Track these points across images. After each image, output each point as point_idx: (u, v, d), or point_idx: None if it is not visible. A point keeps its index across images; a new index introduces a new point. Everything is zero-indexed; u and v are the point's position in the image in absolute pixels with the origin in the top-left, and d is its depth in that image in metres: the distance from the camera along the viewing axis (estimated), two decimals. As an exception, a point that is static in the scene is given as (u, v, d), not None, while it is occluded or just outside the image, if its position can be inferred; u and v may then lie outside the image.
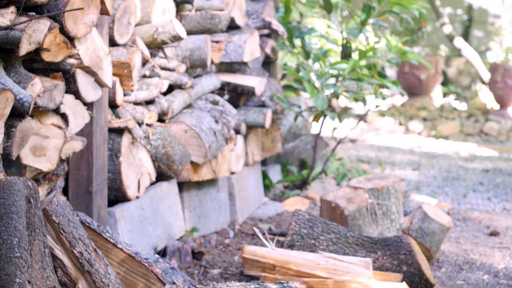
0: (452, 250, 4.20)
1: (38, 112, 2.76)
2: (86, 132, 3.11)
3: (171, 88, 4.00)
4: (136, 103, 3.59)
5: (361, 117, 5.36)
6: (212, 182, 4.31)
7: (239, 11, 4.69)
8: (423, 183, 6.43)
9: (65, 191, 3.15)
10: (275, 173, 5.54)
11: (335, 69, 4.97)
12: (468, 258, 4.05)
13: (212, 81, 4.38)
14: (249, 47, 4.50)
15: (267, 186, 5.30)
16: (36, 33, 2.57)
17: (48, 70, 2.83)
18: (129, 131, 3.44)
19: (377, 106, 5.28)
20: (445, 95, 11.66)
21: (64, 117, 2.91)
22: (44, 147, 2.79)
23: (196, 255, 3.75)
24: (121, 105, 3.45)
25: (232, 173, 4.51)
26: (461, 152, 8.30)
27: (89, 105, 3.07)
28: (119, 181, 3.39)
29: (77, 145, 3.03)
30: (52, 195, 2.60)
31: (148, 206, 3.61)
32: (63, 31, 2.72)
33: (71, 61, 2.85)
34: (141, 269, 2.81)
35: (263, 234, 4.12)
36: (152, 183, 3.73)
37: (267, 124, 4.71)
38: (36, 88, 2.64)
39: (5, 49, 2.55)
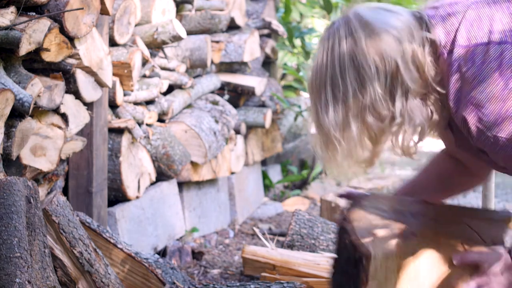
0: (452, 250, 4.20)
1: (38, 112, 2.76)
2: (86, 132, 3.10)
3: (171, 88, 4.00)
4: (136, 103, 3.59)
5: (361, 117, 5.35)
6: (212, 182, 4.31)
7: (239, 11, 4.69)
8: (423, 183, 6.42)
9: (65, 191, 3.15)
10: (275, 173, 5.54)
11: (335, 69, 4.96)
12: (468, 258, 4.04)
13: (212, 81, 4.38)
14: (249, 47, 4.50)
15: (267, 186, 5.30)
16: (36, 33, 2.57)
17: (48, 70, 2.83)
18: (129, 131, 3.44)
19: (377, 106, 5.27)
20: (445, 95, 11.66)
21: (64, 117, 2.91)
22: (44, 147, 2.79)
23: (196, 255, 3.75)
24: (121, 105, 3.45)
25: (232, 173, 4.51)
26: (461, 152, 8.30)
27: (89, 105, 3.07)
28: (119, 181, 3.38)
29: (77, 145, 3.02)
30: (52, 195, 2.60)
31: (148, 206, 3.60)
32: (63, 31, 2.72)
33: (71, 61, 2.85)
34: (141, 269, 2.81)
35: (263, 234, 4.12)
36: (152, 183, 3.73)
37: (267, 124, 4.71)
38: (36, 88, 2.64)
39: (5, 49, 2.55)
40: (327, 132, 1.69)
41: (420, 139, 1.75)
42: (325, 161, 1.75)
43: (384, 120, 1.68)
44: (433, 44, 1.69)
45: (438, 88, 1.69)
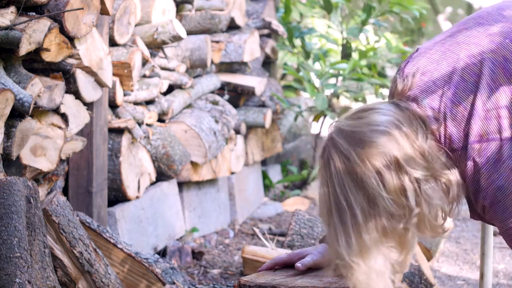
0: (452, 250, 4.20)
1: (38, 112, 2.76)
2: (86, 132, 3.11)
3: (171, 88, 4.00)
4: (136, 103, 3.59)
5: (361, 117, 5.34)
6: (212, 182, 4.31)
7: (239, 11, 4.69)
8: (423, 183, 6.42)
9: (65, 191, 3.15)
10: (275, 173, 5.54)
11: (335, 69, 4.97)
12: (468, 258, 4.05)
13: (212, 81, 4.38)
14: (249, 47, 4.50)
15: (267, 186, 5.30)
16: (36, 33, 2.57)
17: (48, 70, 2.83)
18: (129, 131, 3.44)
19: (377, 106, 5.26)
20: (445, 95, 11.65)
21: (64, 117, 2.91)
22: (44, 147, 2.79)
23: (196, 255, 3.75)
24: (121, 105, 3.45)
25: (232, 173, 4.51)
26: (461, 152, 8.29)
27: (89, 105, 3.07)
28: (119, 181, 3.39)
29: (77, 145, 3.03)
30: (52, 195, 2.60)
31: (148, 206, 3.60)
32: (63, 31, 2.72)
33: (71, 61, 2.85)
34: (141, 269, 2.81)
35: (263, 234, 4.12)
36: (152, 183, 3.73)
37: (267, 124, 4.71)
38: (36, 88, 2.64)
39: (5, 49, 2.55)
40: (342, 258, 1.63)
41: (444, 217, 1.67)
42: (351, 283, 1.66)
43: (402, 218, 1.60)
44: (431, 126, 1.65)
45: (449, 166, 1.64)
